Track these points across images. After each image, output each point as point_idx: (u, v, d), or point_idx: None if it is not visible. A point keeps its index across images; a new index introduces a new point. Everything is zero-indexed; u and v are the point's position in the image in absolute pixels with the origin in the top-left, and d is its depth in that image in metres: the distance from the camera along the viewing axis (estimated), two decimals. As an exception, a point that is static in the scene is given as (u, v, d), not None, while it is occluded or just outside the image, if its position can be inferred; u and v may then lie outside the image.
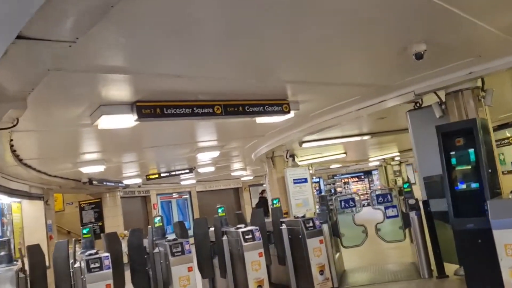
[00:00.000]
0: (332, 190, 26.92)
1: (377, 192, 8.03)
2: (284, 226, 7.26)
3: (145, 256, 6.67)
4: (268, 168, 12.15)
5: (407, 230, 7.52)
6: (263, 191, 17.64)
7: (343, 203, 8.06)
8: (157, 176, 13.82)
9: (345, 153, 16.09)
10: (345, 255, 8.55)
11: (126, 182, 14.41)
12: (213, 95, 5.47)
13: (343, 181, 28.66)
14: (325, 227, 7.30)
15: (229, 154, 12.20)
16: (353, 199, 8.08)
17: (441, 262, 6.74)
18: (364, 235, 7.90)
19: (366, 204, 28.97)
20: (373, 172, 29.73)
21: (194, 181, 19.47)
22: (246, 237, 6.37)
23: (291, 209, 11.24)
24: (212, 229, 7.38)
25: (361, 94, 6.65)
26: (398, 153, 19.91)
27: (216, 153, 10.21)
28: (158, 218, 6.90)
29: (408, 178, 23.01)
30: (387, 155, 20.94)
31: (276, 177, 11.85)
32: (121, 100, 5.03)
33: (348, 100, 6.92)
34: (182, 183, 19.11)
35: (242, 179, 22.80)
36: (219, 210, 7.32)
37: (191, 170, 13.76)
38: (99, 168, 9.49)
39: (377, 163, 25.79)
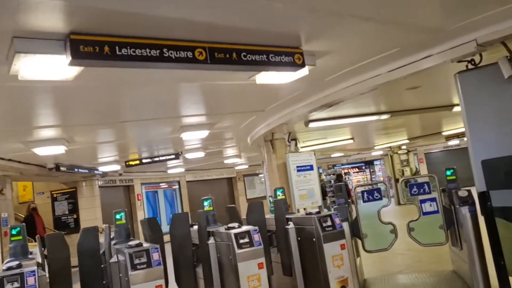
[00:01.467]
0: (332, 181, 25.11)
1: (411, 182, 6.23)
2: (291, 225, 5.47)
3: (102, 266, 4.88)
4: (266, 153, 10.33)
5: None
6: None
7: (365, 195, 6.27)
8: (138, 162, 11.96)
9: (352, 138, 14.30)
10: (364, 258, 6.81)
11: (102, 169, 12.53)
12: (193, 31, 3.62)
13: (343, 171, 26.92)
14: (345, 227, 5.52)
15: (221, 136, 10.35)
16: (378, 190, 6.30)
17: (506, 275, 4.98)
18: (393, 236, 6.16)
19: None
20: (375, 162, 28.11)
21: (183, 170, 17.59)
22: (241, 241, 4.56)
23: (294, 201, 9.46)
24: (196, 227, 5.58)
25: (401, 44, 4.82)
26: (407, 141, 18.14)
27: (204, 133, 8.36)
28: (121, 213, 5.07)
29: (416, 167, 21.32)
30: (394, 143, 19.17)
31: (276, 164, 10.04)
32: (46, 29, 3.18)
33: (381, 55, 5.09)
34: (170, 171, 17.21)
35: (236, 168, 21.01)
36: (205, 203, 5.51)
37: (177, 155, 11.91)
38: (57, 150, 7.62)
39: (381, 152, 24.11)
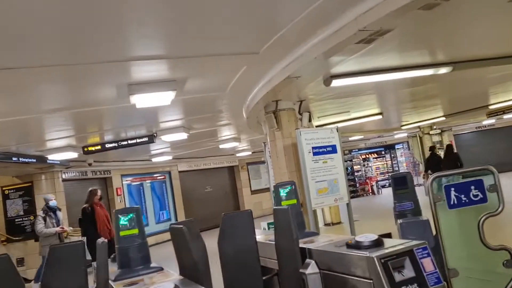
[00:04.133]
0: (349, 169, 22.04)
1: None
2: (311, 267, 2.43)
3: None
4: (269, 130, 7.30)
5: None
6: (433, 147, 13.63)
7: (453, 194, 3.21)
8: (99, 147, 9.00)
9: (380, 113, 11.20)
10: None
11: (53, 157, 9.56)
12: None
13: (361, 157, 23.79)
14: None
15: (206, 107, 7.29)
16: (479, 184, 3.23)
17: None
18: (510, 273, 3.12)
19: (387, 185, 24.03)
20: (397, 146, 24.95)
21: (170, 157, 14.56)
22: None
23: (309, 198, 6.47)
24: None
25: None
26: (443, 118, 14.95)
27: (168, 96, 5.31)
28: None
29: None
30: (425, 122, 15.97)
31: (282, 145, 7.03)
32: None
33: None
34: (154, 159, 14.17)
35: (238, 155, 17.97)
36: (121, 222, 2.50)
37: (151, 138, 8.92)
38: None
39: (405, 134, 20.96)
